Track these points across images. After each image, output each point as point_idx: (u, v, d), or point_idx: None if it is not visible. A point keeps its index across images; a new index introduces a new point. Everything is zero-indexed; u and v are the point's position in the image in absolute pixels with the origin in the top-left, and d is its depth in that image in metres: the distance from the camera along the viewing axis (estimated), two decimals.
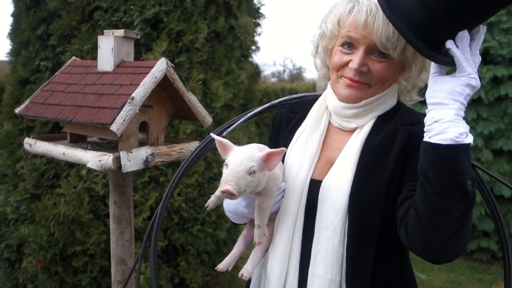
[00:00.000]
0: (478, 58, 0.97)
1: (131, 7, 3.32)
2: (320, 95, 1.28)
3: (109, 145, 2.03)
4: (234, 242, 3.78)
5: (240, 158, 1.05)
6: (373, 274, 1.09)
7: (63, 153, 1.85)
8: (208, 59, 3.53)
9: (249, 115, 1.35)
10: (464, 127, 0.94)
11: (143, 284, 3.08)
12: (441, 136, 0.93)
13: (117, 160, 1.69)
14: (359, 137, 1.15)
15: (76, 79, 2.04)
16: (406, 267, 1.20)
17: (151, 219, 3.32)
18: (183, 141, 2.05)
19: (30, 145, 2.02)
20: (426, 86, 1.03)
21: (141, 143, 1.93)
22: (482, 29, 0.97)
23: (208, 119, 2.03)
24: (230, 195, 1.02)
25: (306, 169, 1.17)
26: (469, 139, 0.94)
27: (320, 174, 1.17)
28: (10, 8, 3.92)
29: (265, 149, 1.11)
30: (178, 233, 3.46)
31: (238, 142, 3.53)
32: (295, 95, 1.36)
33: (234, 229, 3.85)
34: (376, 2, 1.05)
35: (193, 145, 2.01)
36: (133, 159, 1.75)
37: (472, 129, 4.82)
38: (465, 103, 0.96)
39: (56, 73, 2.20)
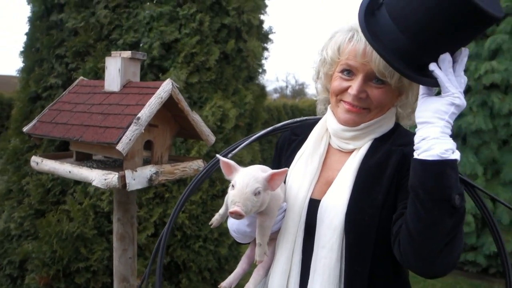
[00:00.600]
0: (464, 79, 1.02)
1: (152, 30, 3.39)
2: (320, 118, 1.32)
3: (114, 163, 2.07)
4: (236, 259, 3.77)
5: (246, 179, 1.09)
6: None
7: (69, 171, 1.88)
8: (216, 79, 3.60)
9: (252, 138, 1.39)
10: (450, 144, 0.98)
11: None
12: (428, 152, 0.97)
13: (122, 178, 1.72)
14: (356, 158, 1.19)
15: (83, 98, 2.09)
16: (403, 282, 1.22)
17: (154, 235, 3.35)
18: (187, 160, 2.09)
19: (37, 163, 2.06)
20: None
21: (146, 161, 1.96)
22: (465, 51, 1.02)
23: (211, 137, 2.07)
24: (238, 215, 1.06)
25: (305, 189, 1.21)
26: (456, 155, 0.97)
27: (319, 194, 1.20)
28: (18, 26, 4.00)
29: (267, 170, 1.16)
30: (180, 250, 3.47)
31: (242, 160, 3.57)
32: (297, 119, 1.40)
33: (236, 246, 3.85)
34: None
35: (196, 164, 2.04)
36: (138, 178, 1.78)
37: (475, 155, 4.84)
38: (451, 121, 1.00)
39: (64, 92, 2.26)
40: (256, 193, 1.08)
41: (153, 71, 3.44)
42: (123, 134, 1.70)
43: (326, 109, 1.32)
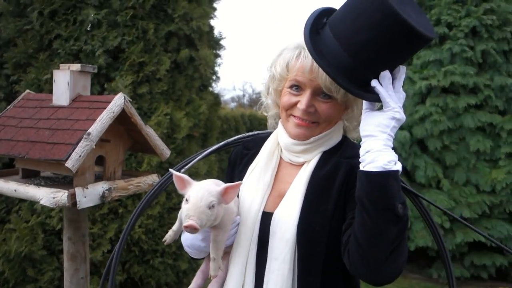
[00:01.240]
0: (402, 95, 1.08)
1: (93, 37, 3.30)
2: (272, 132, 1.35)
3: (64, 180, 1.99)
4: (195, 272, 3.72)
5: (200, 193, 1.10)
6: None
7: (15, 190, 1.79)
8: (168, 89, 3.56)
9: (205, 153, 1.39)
10: (392, 156, 1.03)
11: None
12: (372, 164, 1.03)
13: (72, 196, 1.66)
14: (306, 171, 1.22)
15: (30, 113, 2.00)
16: None
17: (111, 252, 3.24)
18: (141, 175, 2.05)
19: None
20: None
21: (98, 177, 1.90)
22: (402, 68, 1.09)
23: (166, 151, 2.05)
24: (193, 229, 1.06)
25: (258, 203, 1.23)
26: (397, 166, 1.03)
27: (272, 207, 1.22)
28: None
29: (221, 184, 1.17)
30: (137, 266, 3.38)
31: (198, 171, 3.54)
32: (249, 133, 1.42)
33: (196, 259, 3.80)
34: None
35: (151, 179, 2.01)
36: (89, 195, 1.72)
37: (437, 160, 5.07)
38: (392, 134, 1.06)
39: (8, 106, 2.15)
40: (211, 207, 1.08)
41: (100, 80, 3.36)
42: (73, 150, 1.64)
43: (276, 123, 1.35)
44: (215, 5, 4.22)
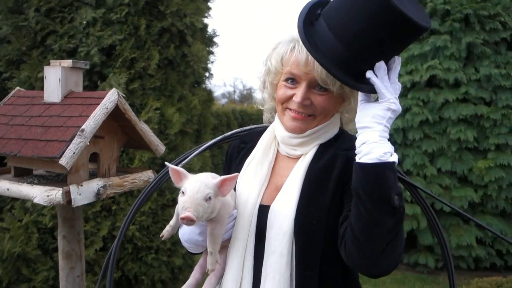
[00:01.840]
0: (398, 85, 1.07)
1: (89, 36, 3.27)
2: (268, 126, 1.35)
3: (57, 178, 1.97)
4: (191, 268, 3.71)
5: (197, 185, 1.09)
6: None
7: (7, 189, 1.77)
8: (161, 85, 3.53)
9: (202, 148, 1.39)
10: (388, 147, 1.03)
11: None
12: (368, 156, 1.02)
13: (67, 194, 1.64)
14: (303, 164, 1.22)
15: (21, 110, 1.97)
16: (352, 285, 1.27)
17: (103, 250, 3.22)
18: (136, 171, 2.03)
19: None
20: None
21: (92, 174, 1.89)
22: (397, 59, 1.08)
23: (161, 148, 2.03)
24: (190, 221, 1.05)
25: (255, 196, 1.23)
26: (394, 158, 1.03)
27: (269, 200, 1.22)
28: None
29: (217, 177, 1.16)
30: (131, 263, 3.36)
31: (191, 167, 3.53)
32: (246, 127, 1.42)
33: (190, 255, 3.80)
34: None
35: (146, 175, 1.99)
36: (84, 193, 1.71)
37: (418, 148, 5.11)
38: (388, 125, 1.05)
39: None
40: (207, 199, 1.08)
41: (92, 78, 3.32)
42: (66, 148, 1.62)
43: (272, 117, 1.35)
44: (209, 4, 4.20)
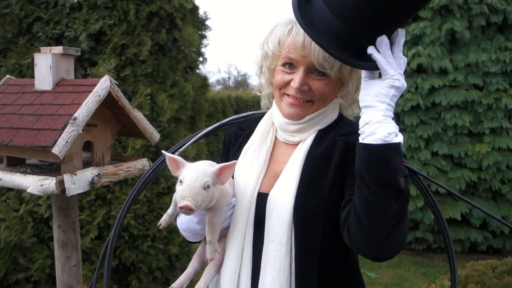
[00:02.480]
0: (403, 60, 1.02)
1: (75, 21, 3.20)
2: (266, 112, 1.32)
3: (51, 167, 1.95)
4: (188, 256, 3.72)
5: (195, 174, 1.07)
6: (319, 281, 1.14)
7: (0, 179, 1.74)
8: (153, 71, 3.48)
9: (199, 135, 1.36)
10: (393, 127, 0.99)
11: None
12: (372, 137, 0.99)
13: (61, 183, 1.62)
14: (302, 150, 1.19)
15: (12, 99, 1.93)
16: (352, 271, 1.26)
17: (99, 238, 3.21)
18: (131, 159, 2.01)
19: None
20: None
21: (86, 163, 1.86)
22: (401, 32, 1.02)
23: (155, 135, 2.00)
24: (189, 210, 1.03)
25: (253, 183, 1.21)
26: (399, 138, 0.99)
27: (267, 187, 1.20)
28: None
29: (215, 165, 1.14)
30: (128, 251, 3.36)
31: (186, 154, 3.50)
32: (243, 114, 1.39)
33: (187, 243, 3.80)
34: None
35: (141, 163, 1.97)
36: (78, 182, 1.68)
37: (413, 133, 5.12)
38: (392, 103, 1.01)
39: None
40: (206, 187, 1.06)
41: (83, 65, 3.27)
42: (59, 136, 1.59)
43: (270, 103, 1.32)
44: None
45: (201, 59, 4.09)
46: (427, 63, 4.98)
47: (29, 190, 1.62)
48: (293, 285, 1.13)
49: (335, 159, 1.15)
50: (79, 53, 1.99)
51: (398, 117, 5.22)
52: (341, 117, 1.26)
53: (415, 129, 5.11)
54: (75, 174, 1.68)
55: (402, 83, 1.01)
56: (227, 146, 1.35)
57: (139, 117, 1.92)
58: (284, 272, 1.12)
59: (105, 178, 1.80)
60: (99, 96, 1.72)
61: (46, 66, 1.89)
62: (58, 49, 1.89)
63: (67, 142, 1.59)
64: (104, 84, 1.74)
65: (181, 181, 1.07)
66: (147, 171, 1.32)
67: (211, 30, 4.27)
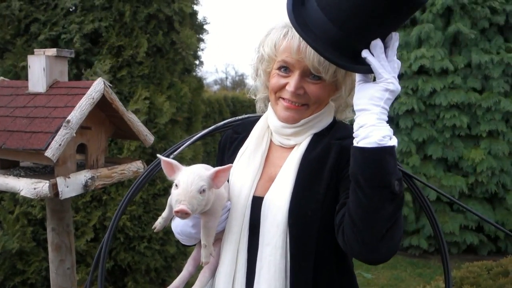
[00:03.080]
0: (397, 63, 1.02)
1: (71, 22, 3.19)
2: (261, 115, 1.31)
3: (45, 169, 1.94)
4: (185, 256, 3.70)
5: (190, 178, 1.06)
6: (314, 284, 1.13)
7: None
8: (149, 73, 3.47)
9: (194, 138, 1.35)
10: (387, 130, 0.99)
11: None
12: (366, 140, 0.99)
13: (54, 186, 1.61)
14: (297, 154, 1.19)
15: (5, 101, 1.92)
16: (347, 274, 1.26)
17: (95, 240, 3.20)
18: (125, 162, 2.00)
19: None
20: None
21: (80, 166, 1.85)
22: (395, 35, 1.02)
23: (149, 137, 2.00)
24: (184, 214, 1.03)
25: (248, 187, 1.20)
26: (393, 142, 0.99)
27: (263, 191, 1.20)
28: None
29: (210, 169, 1.14)
30: (124, 252, 3.35)
31: (183, 156, 3.50)
32: (239, 117, 1.39)
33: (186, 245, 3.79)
34: None
35: (135, 165, 1.96)
36: (72, 185, 1.67)
37: (407, 136, 5.12)
38: (387, 107, 1.01)
39: None
40: (201, 191, 1.06)
41: (79, 66, 3.26)
42: (52, 139, 1.59)
43: (266, 106, 1.31)
44: None
45: (197, 62, 4.09)
46: (429, 65, 4.98)
47: (22, 193, 1.61)
48: None
49: (330, 162, 1.15)
50: (73, 55, 1.98)
51: (392, 121, 5.22)
52: (336, 121, 1.26)
53: (410, 132, 5.11)
54: (69, 177, 1.67)
55: (396, 86, 1.01)
56: (222, 149, 1.35)
57: (133, 119, 1.91)
58: (279, 276, 1.12)
59: (99, 181, 1.79)
60: (93, 98, 1.71)
61: (40, 68, 1.88)
62: (52, 51, 1.88)
63: (60, 145, 1.58)
64: (97, 87, 1.74)
65: (176, 185, 1.07)
66: (141, 175, 1.32)
67: (209, 34, 4.28)
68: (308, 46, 1.09)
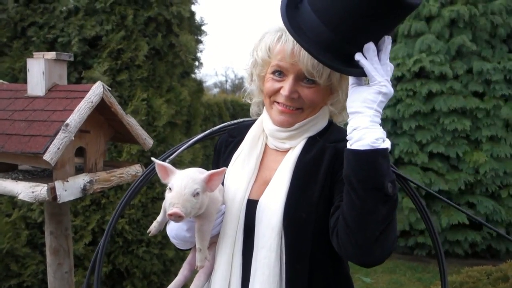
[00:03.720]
0: (390, 67, 1.03)
1: (70, 25, 3.20)
2: (257, 119, 1.32)
3: (43, 173, 1.93)
4: (182, 260, 3.69)
5: (184, 181, 1.07)
6: (308, 286, 1.13)
7: None
8: (148, 76, 3.48)
9: (190, 142, 1.36)
10: (380, 133, 1.00)
11: None
12: (360, 142, 1.00)
13: (52, 190, 1.61)
14: (292, 157, 1.20)
15: (3, 104, 1.92)
16: (343, 277, 1.26)
17: (93, 244, 3.19)
18: (124, 165, 2.00)
19: None
20: None
21: (78, 169, 1.85)
22: (388, 39, 1.03)
23: (148, 141, 2.00)
24: (178, 217, 1.03)
25: (243, 190, 1.21)
26: (386, 144, 1.00)
27: (257, 194, 1.20)
28: None
29: (205, 172, 1.14)
30: (122, 256, 3.34)
31: (182, 159, 3.50)
32: (234, 121, 1.39)
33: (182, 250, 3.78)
34: None
35: (134, 169, 1.96)
36: (70, 188, 1.67)
37: (412, 137, 5.12)
38: (380, 109, 1.02)
39: None
40: (195, 195, 1.06)
41: (78, 68, 3.26)
42: (51, 143, 1.58)
43: (260, 110, 1.32)
44: None
45: (196, 63, 4.10)
46: (429, 68, 4.99)
47: (20, 197, 1.61)
48: None
49: (325, 165, 1.16)
50: (72, 59, 1.98)
51: (396, 123, 5.23)
52: (330, 124, 1.27)
53: (413, 133, 5.12)
54: (67, 181, 1.67)
55: (389, 89, 1.02)
56: (218, 153, 1.36)
57: (132, 123, 1.91)
58: (274, 279, 1.12)
59: (98, 185, 1.79)
60: (92, 102, 1.71)
61: (39, 71, 1.88)
62: (51, 55, 1.88)
63: (58, 148, 1.58)
64: (96, 90, 1.74)
65: (170, 188, 1.07)
66: (137, 179, 1.32)
67: (207, 35, 4.28)
68: (302, 50, 1.09)
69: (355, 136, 1.01)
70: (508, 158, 4.90)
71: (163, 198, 1.13)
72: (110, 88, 1.83)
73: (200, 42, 4.25)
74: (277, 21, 1.17)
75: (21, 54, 3.19)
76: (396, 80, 5.22)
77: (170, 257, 3.61)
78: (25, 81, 1.95)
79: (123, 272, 3.39)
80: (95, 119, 1.84)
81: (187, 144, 1.35)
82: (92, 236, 3.19)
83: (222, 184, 1.24)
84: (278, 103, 1.19)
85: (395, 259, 5.15)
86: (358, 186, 0.99)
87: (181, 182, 1.06)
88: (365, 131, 1.00)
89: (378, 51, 1.02)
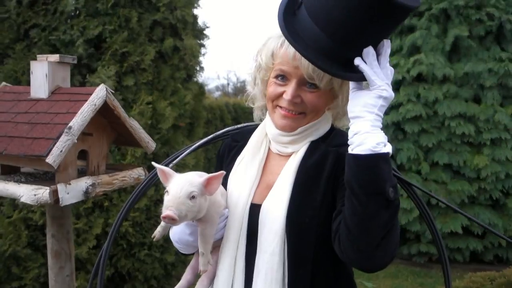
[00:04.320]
0: (390, 70, 1.03)
1: (73, 26, 3.20)
2: (260, 124, 1.32)
3: (45, 176, 1.93)
4: (184, 264, 3.68)
5: (180, 184, 1.07)
6: None
7: None
8: (153, 79, 3.48)
9: (193, 147, 1.36)
10: (382, 137, 1.00)
11: None
12: (361, 147, 0.99)
13: (54, 193, 1.60)
14: (294, 161, 1.19)
15: (7, 107, 1.92)
16: (345, 282, 1.25)
17: (96, 247, 3.18)
18: (126, 168, 1.99)
19: None
20: None
21: (81, 172, 1.85)
22: (387, 43, 1.03)
23: (151, 144, 1.99)
24: (171, 220, 1.03)
25: (246, 195, 1.20)
26: (387, 148, 0.99)
27: (260, 199, 1.20)
28: None
29: (203, 176, 1.13)
30: (124, 259, 3.33)
31: (186, 163, 3.50)
32: (237, 126, 1.40)
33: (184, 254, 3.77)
34: None
35: (136, 172, 1.96)
36: (72, 191, 1.67)
37: (416, 142, 5.09)
38: (381, 114, 1.01)
39: None
40: (191, 197, 1.06)
41: (81, 71, 3.27)
42: (53, 145, 1.58)
43: (263, 114, 1.32)
44: None
45: (198, 67, 4.11)
46: (427, 72, 4.96)
47: (22, 200, 1.61)
48: None
49: (327, 170, 1.15)
50: (75, 61, 1.98)
51: (399, 126, 5.20)
52: (333, 129, 1.26)
53: (417, 138, 5.09)
54: (69, 184, 1.67)
55: (389, 93, 1.02)
56: (221, 158, 1.36)
57: (135, 126, 1.91)
58: (276, 283, 1.12)
59: (100, 188, 1.79)
60: (95, 105, 1.71)
61: (42, 74, 1.88)
62: (55, 57, 1.89)
63: (61, 151, 1.58)
64: (100, 93, 1.73)
65: (167, 192, 1.07)
66: (141, 183, 1.32)
67: (210, 39, 4.30)
68: None
69: (356, 140, 1.01)
70: (509, 161, 4.88)
71: None
72: (113, 91, 1.82)
73: (203, 46, 4.27)
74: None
75: (23, 56, 3.20)
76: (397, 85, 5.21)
77: (171, 261, 3.61)
78: (28, 83, 1.95)
79: (125, 275, 3.38)
80: (98, 122, 1.83)
81: (190, 149, 1.35)
82: (96, 240, 3.18)
83: (225, 188, 1.24)
84: (280, 107, 1.19)
85: (398, 263, 5.13)
86: (359, 191, 0.98)
87: (178, 185, 1.07)
88: (366, 135, 0.99)
89: (378, 55, 1.02)
